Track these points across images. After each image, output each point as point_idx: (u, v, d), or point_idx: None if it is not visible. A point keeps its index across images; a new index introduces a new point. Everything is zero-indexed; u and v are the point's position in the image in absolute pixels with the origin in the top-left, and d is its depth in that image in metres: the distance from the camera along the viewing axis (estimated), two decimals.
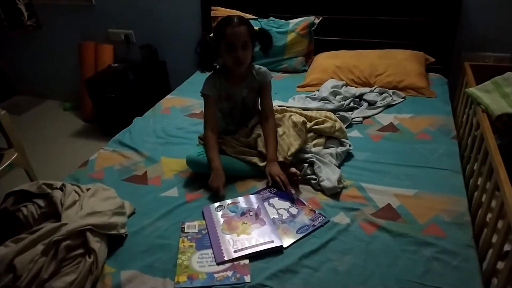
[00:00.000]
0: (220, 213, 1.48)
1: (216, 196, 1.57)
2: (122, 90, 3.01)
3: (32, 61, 3.85)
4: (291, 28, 2.72)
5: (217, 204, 1.52)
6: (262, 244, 1.32)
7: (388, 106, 2.22)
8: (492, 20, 2.48)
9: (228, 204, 1.52)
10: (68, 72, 3.73)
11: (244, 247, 1.32)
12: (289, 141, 1.65)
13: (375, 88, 2.34)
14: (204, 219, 1.47)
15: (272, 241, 1.33)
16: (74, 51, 3.53)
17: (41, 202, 1.42)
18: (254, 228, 1.41)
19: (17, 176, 2.39)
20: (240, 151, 1.69)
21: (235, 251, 1.30)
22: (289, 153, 1.62)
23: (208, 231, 1.40)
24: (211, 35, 1.69)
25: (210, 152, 1.64)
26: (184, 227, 1.44)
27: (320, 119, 1.84)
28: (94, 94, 3.12)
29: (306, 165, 1.66)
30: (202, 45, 1.67)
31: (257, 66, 1.78)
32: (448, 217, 1.43)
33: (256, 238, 1.35)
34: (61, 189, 1.44)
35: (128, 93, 3.02)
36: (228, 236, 1.37)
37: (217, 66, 1.75)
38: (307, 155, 1.67)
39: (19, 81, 4.01)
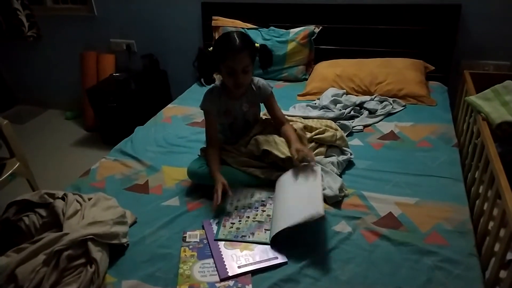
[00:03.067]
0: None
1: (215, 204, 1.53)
2: (124, 100, 3.02)
3: (33, 71, 3.88)
4: (292, 37, 2.74)
5: (216, 219, 1.51)
6: (266, 260, 1.31)
7: (389, 114, 2.23)
8: (491, 28, 2.49)
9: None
10: (69, 82, 3.76)
11: (248, 263, 1.31)
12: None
13: (375, 97, 2.34)
14: (204, 232, 1.46)
15: (276, 257, 1.32)
16: (76, 60, 3.55)
17: (43, 212, 1.42)
18: (256, 244, 1.39)
19: (19, 185, 2.39)
20: (241, 161, 1.68)
21: (239, 267, 1.29)
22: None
23: (209, 246, 1.39)
24: (210, 48, 1.67)
25: (212, 164, 1.64)
26: (186, 237, 1.44)
27: (321, 129, 1.84)
28: (95, 103, 3.13)
29: None
30: (200, 59, 1.65)
31: (255, 79, 1.75)
32: (450, 225, 1.43)
33: (259, 254, 1.34)
34: (63, 198, 1.45)
35: (130, 103, 3.03)
36: (230, 252, 1.35)
37: (216, 82, 1.74)
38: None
39: (20, 91, 4.04)
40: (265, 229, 1.44)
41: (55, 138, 3.46)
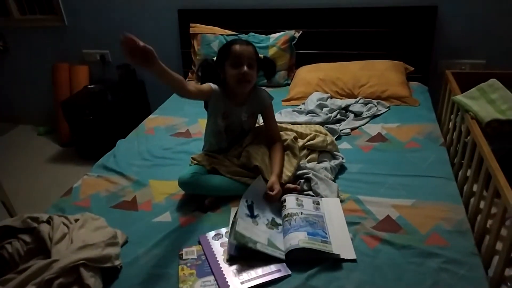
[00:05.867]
0: (218, 243, 1.40)
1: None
2: (100, 112, 2.92)
3: (2, 84, 3.70)
4: (272, 42, 2.72)
5: (213, 233, 1.45)
6: (269, 274, 1.26)
7: (374, 116, 2.24)
8: (466, 28, 2.56)
9: (226, 232, 1.45)
10: (41, 95, 3.60)
11: (251, 277, 1.25)
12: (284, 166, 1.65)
13: (359, 99, 2.35)
14: (202, 248, 1.39)
15: (279, 270, 1.28)
16: (47, 73, 3.41)
17: (27, 238, 1.33)
18: (257, 257, 1.33)
19: None
20: (234, 171, 1.64)
21: (242, 283, 1.23)
22: (285, 178, 1.61)
23: (208, 262, 1.33)
24: (214, 58, 1.67)
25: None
26: (182, 254, 1.38)
27: (311, 135, 1.83)
28: (70, 117, 3.01)
29: (302, 181, 1.63)
30: (203, 67, 1.64)
31: (259, 89, 1.74)
32: (448, 225, 1.43)
33: (262, 267, 1.29)
34: (48, 222, 1.36)
35: (107, 115, 2.93)
36: (232, 268, 1.30)
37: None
38: (302, 171, 1.65)
39: None
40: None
41: (29, 155, 3.30)
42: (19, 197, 2.60)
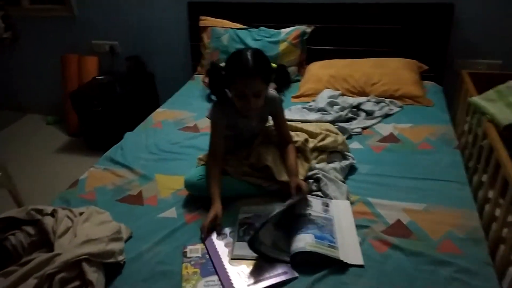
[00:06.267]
0: (223, 243, 1.37)
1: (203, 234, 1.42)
2: (109, 104, 2.90)
3: (11, 74, 3.70)
4: (283, 37, 2.67)
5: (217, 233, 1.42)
6: (276, 276, 1.23)
7: (386, 115, 2.19)
8: (484, 27, 2.48)
9: (230, 232, 1.42)
10: (50, 85, 3.59)
11: (257, 280, 1.22)
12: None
13: (371, 98, 2.30)
14: (205, 247, 1.36)
15: (286, 272, 1.24)
16: (56, 63, 3.39)
17: (30, 230, 1.32)
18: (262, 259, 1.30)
19: (1, 197, 2.25)
20: (242, 171, 1.60)
21: (248, 285, 1.20)
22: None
23: (213, 263, 1.29)
24: (222, 64, 1.54)
25: (211, 186, 1.50)
26: (187, 252, 1.35)
27: (322, 135, 1.78)
28: (79, 108, 2.99)
29: (311, 181, 1.59)
30: (212, 75, 1.53)
31: (268, 93, 1.58)
32: (461, 232, 1.38)
33: (268, 269, 1.26)
34: (52, 214, 1.34)
35: (115, 107, 2.91)
36: (237, 269, 1.26)
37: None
38: (312, 172, 1.61)
39: None
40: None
41: (37, 144, 3.30)
42: (26, 186, 2.59)
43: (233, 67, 1.47)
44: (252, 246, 1.26)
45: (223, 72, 1.50)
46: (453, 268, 1.24)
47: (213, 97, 1.59)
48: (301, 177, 1.57)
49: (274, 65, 1.54)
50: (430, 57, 2.56)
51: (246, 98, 1.46)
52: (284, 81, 1.59)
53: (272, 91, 1.61)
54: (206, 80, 1.53)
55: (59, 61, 3.37)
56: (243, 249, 1.31)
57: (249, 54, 1.44)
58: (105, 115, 2.92)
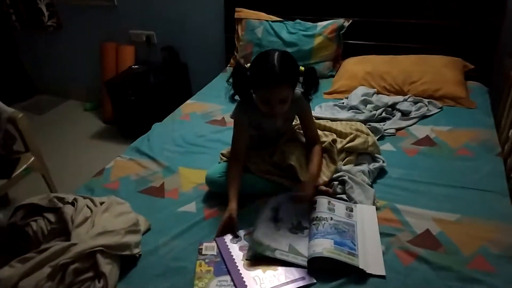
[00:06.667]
0: (237, 246, 1.32)
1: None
2: (142, 93, 2.93)
3: (53, 60, 3.83)
4: (319, 31, 2.58)
5: (230, 235, 1.38)
6: (293, 281, 1.18)
7: (424, 117, 2.06)
8: None
9: (245, 234, 1.37)
10: (89, 72, 3.69)
11: (273, 286, 1.17)
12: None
13: (409, 97, 2.17)
14: (218, 249, 1.32)
15: (303, 278, 1.19)
16: (96, 51, 3.48)
17: (51, 217, 1.34)
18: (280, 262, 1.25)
19: (35, 180, 2.33)
20: (265, 169, 1.55)
21: None
22: (321, 183, 1.50)
23: (227, 267, 1.25)
24: (247, 65, 1.46)
25: (230, 187, 1.46)
26: (202, 249, 1.33)
27: (351, 135, 1.70)
28: (114, 96, 3.06)
29: (336, 183, 1.53)
30: (236, 76, 1.46)
31: (293, 95, 1.49)
32: (496, 248, 1.27)
33: (285, 274, 1.21)
34: (72, 203, 1.36)
35: (148, 96, 2.94)
36: (252, 273, 1.22)
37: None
38: (337, 174, 1.54)
39: (41, 81, 4.00)
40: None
41: (74, 130, 3.40)
42: (60, 171, 2.68)
43: (258, 72, 1.40)
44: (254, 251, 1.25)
45: (248, 73, 1.45)
46: (483, 287, 1.14)
47: (237, 97, 1.54)
48: (325, 177, 1.51)
49: (302, 68, 1.46)
50: (477, 55, 2.38)
51: (271, 104, 1.41)
52: (312, 84, 1.50)
53: (298, 90, 1.53)
54: (230, 80, 1.47)
55: (98, 49, 3.45)
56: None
57: (275, 59, 1.36)
58: (138, 104, 2.95)
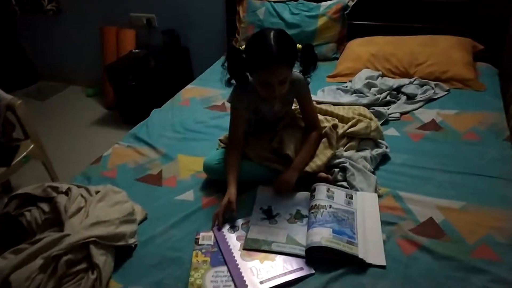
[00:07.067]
0: (234, 236, 1.29)
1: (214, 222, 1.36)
2: (143, 78, 2.88)
3: (55, 45, 3.78)
4: (322, 11, 2.50)
5: (228, 224, 1.34)
6: (291, 272, 1.15)
7: (430, 100, 1.99)
8: None
9: (242, 224, 1.34)
10: (90, 57, 3.64)
11: (271, 276, 1.14)
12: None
13: (415, 80, 2.10)
14: (215, 239, 1.30)
15: (302, 268, 1.16)
16: (96, 36, 3.42)
17: (45, 207, 1.32)
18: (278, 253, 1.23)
19: (35, 167, 2.32)
20: (264, 156, 1.51)
21: (261, 282, 1.13)
22: (314, 167, 1.46)
23: (223, 257, 1.23)
24: (242, 47, 1.42)
25: (228, 172, 1.43)
26: (199, 238, 1.30)
27: (353, 120, 1.64)
28: (114, 81, 3.01)
29: (337, 170, 1.48)
30: (231, 59, 1.41)
31: (292, 75, 1.43)
32: (502, 237, 1.23)
33: (282, 264, 1.18)
34: (66, 193, 1.33)
35: (149, 81, 2.89)
36: (249, 264, 1.19)
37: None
38: (338, 160, 1.49)
39: (43, 66, 3.96)
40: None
41: (76, 116, 3.37)
42: (61, 157, 2.67)
43: (255, 54, 1.34)
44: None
45: (243, 55, 1.39)
46: (487, 277, 1.11)
47: (233, 81, 1.49)
48: (319, 162, 1.47)
49: (299, 46, 1.40)
50: (487, 35, 2.29)
51: (270, 86, 1.35)
52: (311, 62, 1.44)
53: (296, 71, 1.48)
54: (225, 64, 1.42)
55: (98, 33, 3.39)
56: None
57: (272, 38, 1.30)
58: (139, 89, 2.91)
